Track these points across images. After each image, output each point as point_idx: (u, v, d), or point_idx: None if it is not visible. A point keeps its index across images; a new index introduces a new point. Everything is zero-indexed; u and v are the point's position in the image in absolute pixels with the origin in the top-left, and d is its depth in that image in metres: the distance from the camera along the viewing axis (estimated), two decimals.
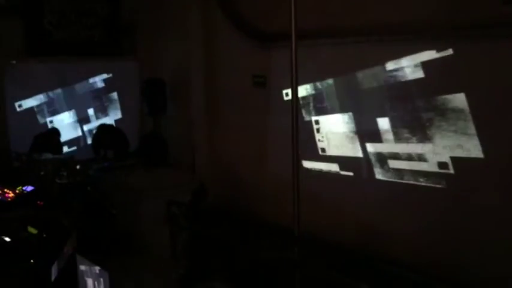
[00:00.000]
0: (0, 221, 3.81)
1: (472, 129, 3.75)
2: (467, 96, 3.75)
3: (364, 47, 4.40)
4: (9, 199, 4.19)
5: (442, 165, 3.99)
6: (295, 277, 3.24)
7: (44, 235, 3.59)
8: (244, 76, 5.53)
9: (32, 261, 3.36)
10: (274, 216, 4.62)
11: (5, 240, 3.56)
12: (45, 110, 6.80)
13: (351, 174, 4.68)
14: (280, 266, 3.48)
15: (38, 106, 6.73)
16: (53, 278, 3.32)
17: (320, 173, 4.88)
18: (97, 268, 3.12)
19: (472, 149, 3.76)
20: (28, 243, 3.54)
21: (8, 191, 4.30)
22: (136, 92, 6.97)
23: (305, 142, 4.52)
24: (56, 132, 6.36)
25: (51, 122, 6.80)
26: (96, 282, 3.15)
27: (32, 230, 3.66)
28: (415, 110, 4.11)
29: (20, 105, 6.59)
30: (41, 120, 6.75)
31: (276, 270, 3.53)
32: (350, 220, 4.54)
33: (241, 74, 5.58)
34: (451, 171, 3.94)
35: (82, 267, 3.28)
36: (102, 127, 6.41)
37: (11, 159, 5.36)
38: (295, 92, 3.22)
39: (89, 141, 7.05)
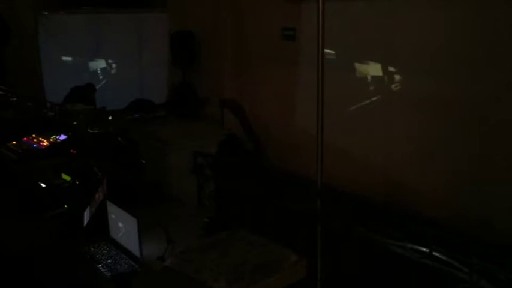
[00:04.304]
0: (36, 168, 3.97)
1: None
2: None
3: (399, 2, 4.28)
4: (43, 147, 4.33)
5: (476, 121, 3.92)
6: (316, 229, 3.31)
7: (77, 182, 3.73)
8: (273, 29, 5.47)
9: (65, 206, 3.52)
10: (301, 169, 4.66)
11: (41, 186, 3.72)
12: (77, 61, 6.91)
13: (379, 128, 4.64)
14: (303, 218, 3.54)
15: (70, 57, 6.84)
16: (85, 222, 3.48)
17: (348, 127, 4.86)
18: (126, 214, 3.24)
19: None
20: (62, 189, 3.70)
21: (42, 139, 4.43)
22: (165, 44, 6.99)
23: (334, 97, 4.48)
24: (92, 88, 6.46)
25: (83, 72, 6.92)
26: (125, 228, 3.28)
27: (66, 177, 3.81)
28: (449, 67, 4.02)
29: (53, 57, 6.71)
30: (74, 71, 6.88)
31: (299, 222, 3.59)
32: (376, 174, 4.55)
33: (270, 26, 5.51)
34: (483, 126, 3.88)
35: (112, 214, 3.42)
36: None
37: (46, 109, 5.49)
38: (321, 47, 3.20)
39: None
